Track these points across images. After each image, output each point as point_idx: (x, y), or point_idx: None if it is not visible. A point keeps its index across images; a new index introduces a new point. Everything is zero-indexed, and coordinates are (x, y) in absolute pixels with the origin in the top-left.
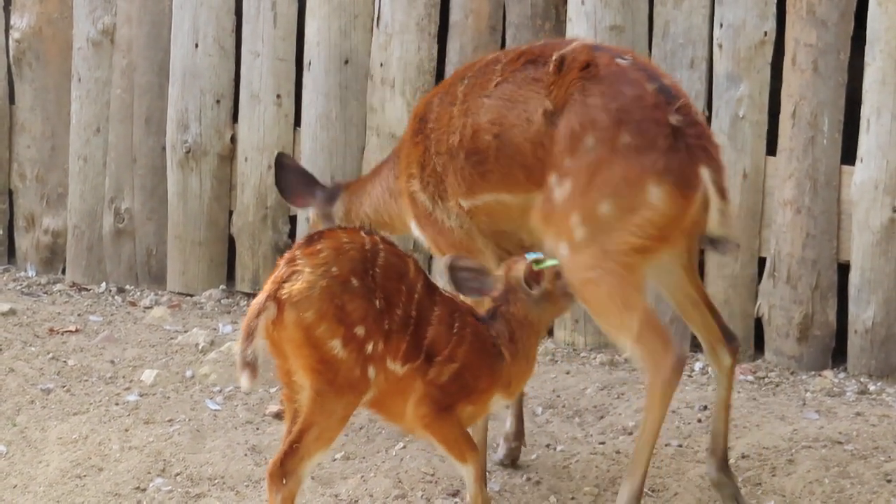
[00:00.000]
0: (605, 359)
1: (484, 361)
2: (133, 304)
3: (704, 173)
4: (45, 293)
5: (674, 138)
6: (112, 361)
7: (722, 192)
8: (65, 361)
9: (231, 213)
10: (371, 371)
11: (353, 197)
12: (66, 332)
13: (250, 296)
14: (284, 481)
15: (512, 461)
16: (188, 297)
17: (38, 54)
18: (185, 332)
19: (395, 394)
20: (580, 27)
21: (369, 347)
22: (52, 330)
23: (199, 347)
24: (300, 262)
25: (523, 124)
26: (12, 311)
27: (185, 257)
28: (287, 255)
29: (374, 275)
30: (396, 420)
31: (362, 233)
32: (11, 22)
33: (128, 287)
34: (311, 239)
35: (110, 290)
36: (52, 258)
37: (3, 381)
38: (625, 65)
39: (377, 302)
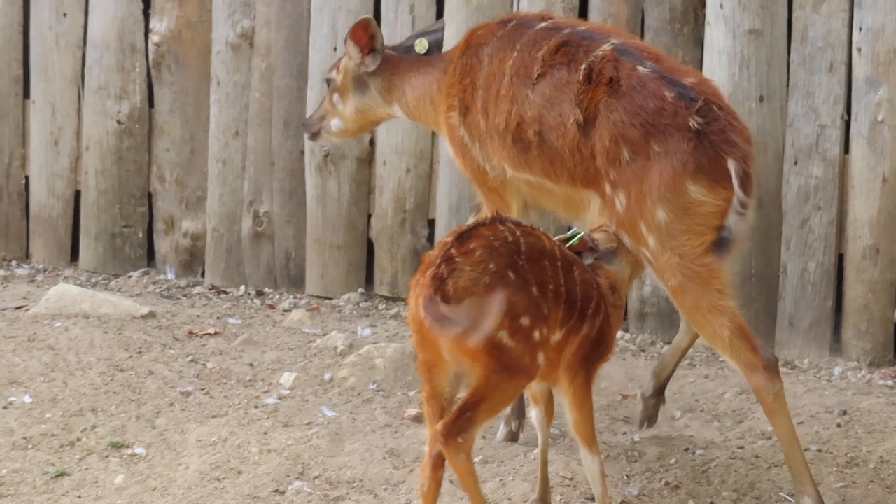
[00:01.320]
0: None
1: (612, 313)
2: (272, 307)
3: (731, 165)
4: (185, 296)
5: (697, 140)
6: (251, 364)
7: (744, 184)
8: (204, 364)
9: (370, 216)
10: (540, 357)
11: (395, 75)
12: (206, 334)
13: (389, 299)
14: (461, 440)
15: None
16: (327, 301)
17: (177, 58)
18: (324, 335)
19: (554, 358)
20: (718, 31)
21: (536, 335)
22: (191, 333)
23: (338, 351)
24: (458, 261)
25: (560, 129)
26: (152, 314)
27: (324, 261)
28: (440, 252)
29: (523, 263)
30: (549, 380)
31: (499, 225)
32: (151, 26)
33: (267, 290)
34: (461, 238)
35: (249, 293)
36: (192, 261)
37: (142, 384)
38: (645, 73)
39: (533, 289)
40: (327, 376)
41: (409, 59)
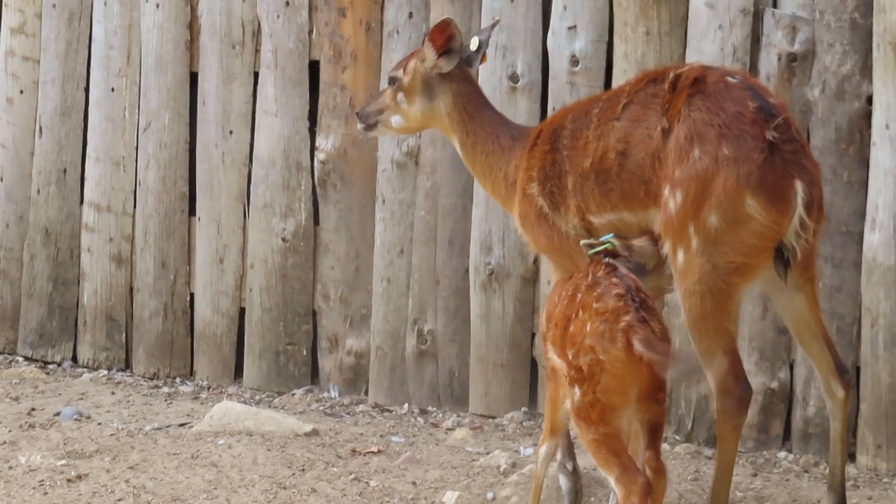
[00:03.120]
0: None
1: None
2: (435, 425)
3: (798, 186)
4: (348, 414)
5: (769, 153)
6: (414, 483)
7: (809, 207)
8: (367, 482)
9: (533, 335)
10: None
11: (468, 116)
12: (369, 452)
13: None
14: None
15: None
16: (490, 419)
17: (342, 175)
18: (487, 454)
19: None
20: (884, 151)
21: None
22: (354, 451)
23: (501, 469)
24: (646, 313)
25: (646, 141)
26: (315, 432)
27: (488, 379)
28: (630, 308)
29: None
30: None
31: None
32: (317, 143)
33: (430, 408)
34: (645, 303)
35: (413, 412)
36: (355, 379)
37: (305, 502)
38: (732, 82)
39: None
40: (490, 495)
41: (486, 113)
